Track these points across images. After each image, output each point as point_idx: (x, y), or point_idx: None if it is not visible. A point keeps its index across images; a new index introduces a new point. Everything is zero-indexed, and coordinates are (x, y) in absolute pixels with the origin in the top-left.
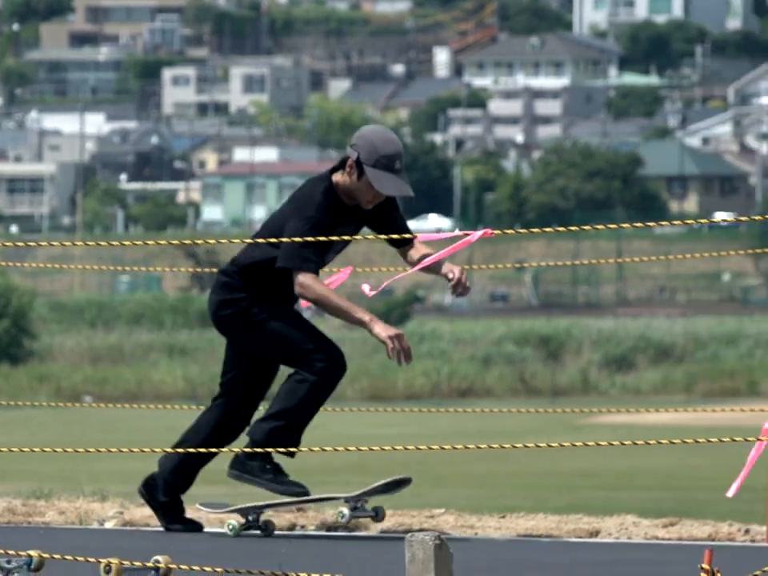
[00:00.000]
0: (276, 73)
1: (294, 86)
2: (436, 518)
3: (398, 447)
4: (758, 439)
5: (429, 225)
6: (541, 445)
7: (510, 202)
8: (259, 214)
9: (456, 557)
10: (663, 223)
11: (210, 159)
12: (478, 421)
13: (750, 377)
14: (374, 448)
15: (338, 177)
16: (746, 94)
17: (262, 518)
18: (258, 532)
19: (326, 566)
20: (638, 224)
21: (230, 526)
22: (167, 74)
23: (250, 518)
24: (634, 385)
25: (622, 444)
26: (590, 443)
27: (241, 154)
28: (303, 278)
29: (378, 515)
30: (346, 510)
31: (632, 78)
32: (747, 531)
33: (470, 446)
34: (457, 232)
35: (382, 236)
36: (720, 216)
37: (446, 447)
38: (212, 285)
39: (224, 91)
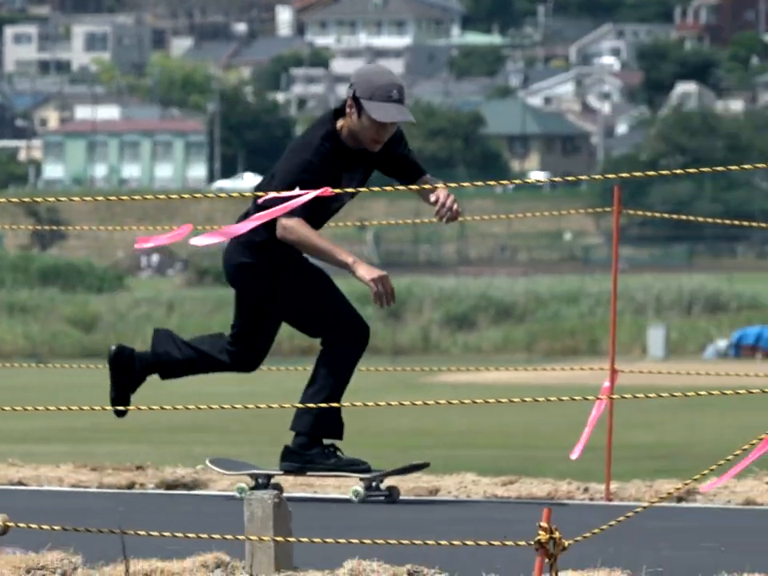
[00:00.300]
0: (118, 31)
1: (136, 44)
2: (276, 477)
3: (237, 406)
4: (598, 398)
5: (245, 184)
6: (380, 404)
7: None
8: (100, 171)
9: (295, 515)
10: (503, 182)
11: (52, 117)
12: None
13: (591, 335)
14: (213, 406)
15: (340, 122)
16: (588, 53)
17: (272, 480)
18: None
19: (166, 524)
20: (479, 182)
21: (239, 490)
22: (9, 31)
23: (260, 480)
24: (475, 343)
25: (462, 403)
26: (429, 402)
27: (82, 112)
28: (286, 220)
29: (391, 495)
30: (361, 489)
31: (474, 38)
32: (586, 490)
33: (309, 405)
34: (297, 191)
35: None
36: (535, 176)
37: (285, 405)
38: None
39: (66, 49)
